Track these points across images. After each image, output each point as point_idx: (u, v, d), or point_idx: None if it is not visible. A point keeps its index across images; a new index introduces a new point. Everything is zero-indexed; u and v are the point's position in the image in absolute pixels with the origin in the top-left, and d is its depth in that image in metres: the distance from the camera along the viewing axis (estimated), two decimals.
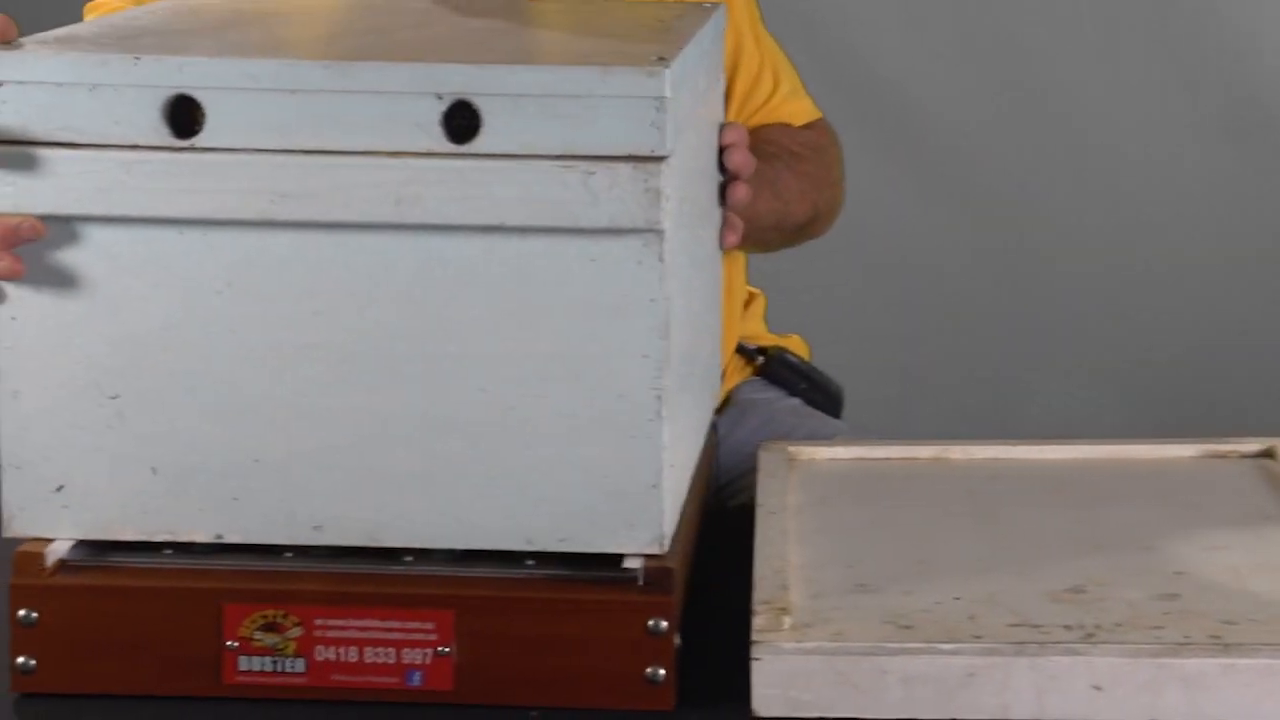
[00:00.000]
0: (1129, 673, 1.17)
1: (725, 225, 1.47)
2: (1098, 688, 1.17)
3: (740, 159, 1.44)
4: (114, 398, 1.22)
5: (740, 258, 1.79)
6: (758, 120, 1.76)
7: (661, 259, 1.19)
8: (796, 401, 1.82)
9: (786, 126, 1.77)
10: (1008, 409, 3.13)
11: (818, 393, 1.82)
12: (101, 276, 1.22)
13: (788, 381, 1.82)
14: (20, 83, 1.19)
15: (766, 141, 1.68)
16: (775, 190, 1.66)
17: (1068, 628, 1.20)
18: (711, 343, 1.49)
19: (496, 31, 1.38)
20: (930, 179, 3.14)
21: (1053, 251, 3.14)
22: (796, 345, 1.86)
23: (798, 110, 1.80)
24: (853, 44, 3.11)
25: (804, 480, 1.49)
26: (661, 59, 1.19)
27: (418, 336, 1.21)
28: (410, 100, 1.18)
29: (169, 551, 1.25)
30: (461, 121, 1.18)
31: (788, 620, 1.21)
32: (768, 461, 1.50)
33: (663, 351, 1.20)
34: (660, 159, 1.18)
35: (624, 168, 1.18)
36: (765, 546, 1.33)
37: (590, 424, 1.21)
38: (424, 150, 1.19)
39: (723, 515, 1.51)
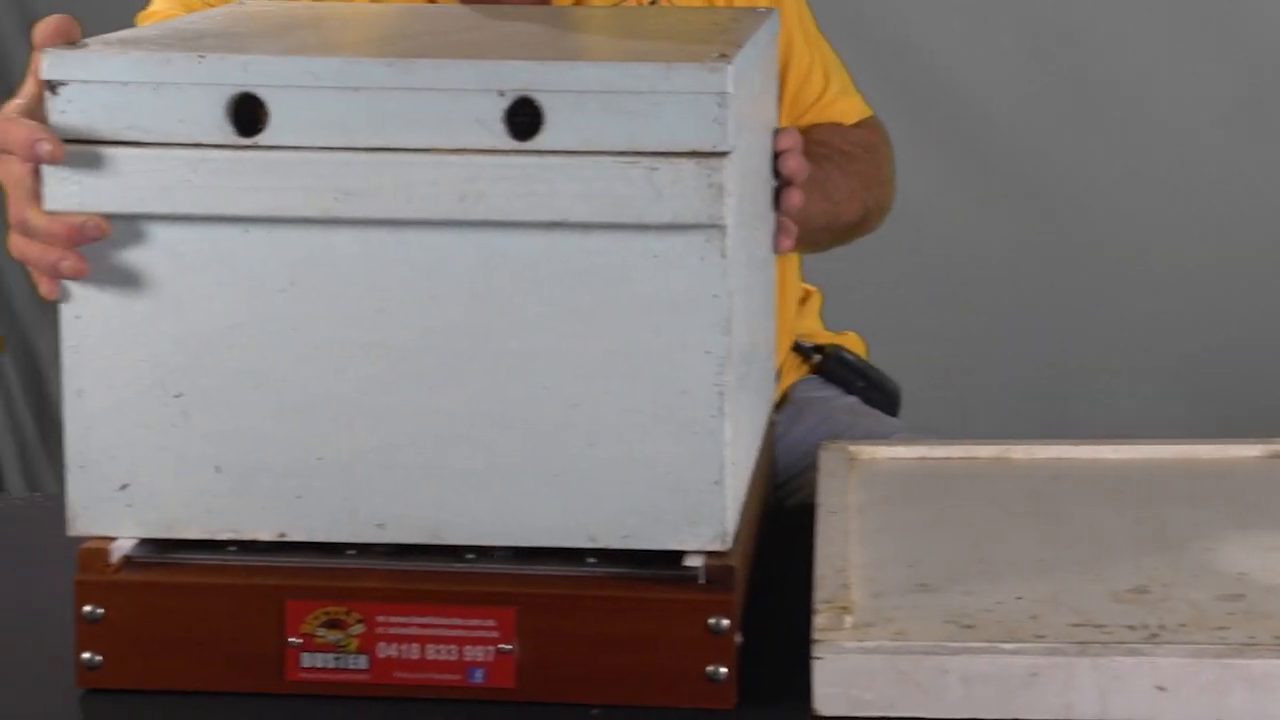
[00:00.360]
0: (1193, 673, 1.16)
1: (780, 230, 1.47)
2: (1161, 688, 1.16)
3: (795, 164, 1.45)
4: (178, 396, 1.23)
5: (795, 255, 1.79)
6: (809, 119, 1.77)
7: (724, 254, 1.19)
8: (853, 400, 1.81)
9: (837, 126, 1.77)
10: (1068, 407, 3.11)
11: (875, 391, 1.82)
12: (166, 275, 1.22)
13: (844, 379, 1.81)
14: (85, 82, 1.20)
15: (818, 143, 1.68)
16: (826, 192, 1.66)
17: (1131, 628, 1.19)
18: (767, 341, 1.49)
19: (552, 33, 1.38)
20: (986, 175, 3.12)
21: (1113, 247, 3.12)
22: (853, 343, 1.85)
23: (848, 108, 1.80)
24: (906, 40, 3.10)
25: (865, 479, 1.48)
26: (723, 56, 1.20)
27: (480, 333, 1.21)
28: (472, 97, 1.18)
29: (233, 548, 1.25)
30: (523, 118, 1.18)
31: (849, 619, 1.21)
32: (828, 461, 1.50)
33: (725, 347, 1.20)
34: (723, 154, 1.18)
35: (687, 163, 1.18)
36: (826, 546, 1.33)
37: (652, 420, 1.21)
38: (486, 147, 1.19)
39: (780, 514, 1.51)
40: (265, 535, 1.24)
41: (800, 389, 1.81)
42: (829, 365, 1.81)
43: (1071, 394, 3.13)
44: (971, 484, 1.47)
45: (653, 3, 1.71)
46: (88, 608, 1.23)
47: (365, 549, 1.24)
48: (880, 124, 1.84)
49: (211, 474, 1.23)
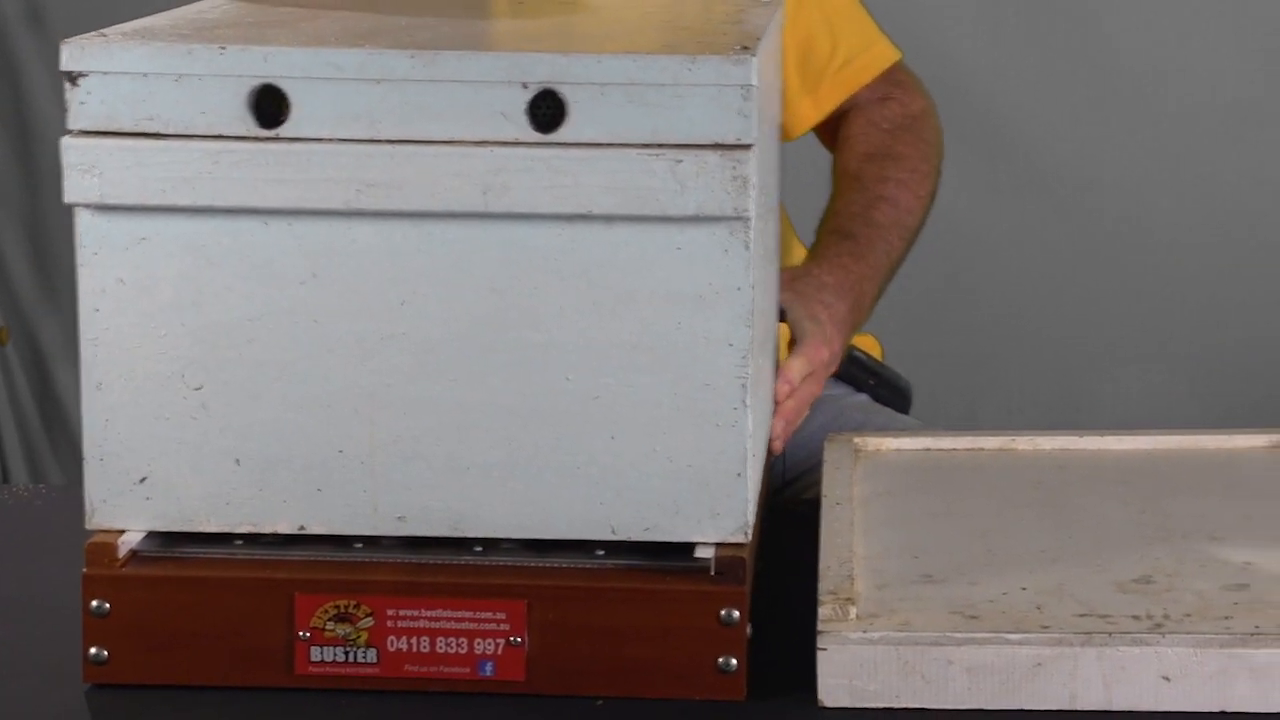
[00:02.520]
0: (1198, 663, 1.17)
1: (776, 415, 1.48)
2: (1166, 678, 1.18)
3: (779, 432, 1.47)
4: (197, 389, 1.22)
5: (805, 251, 1.78)
6: (826, 89, 1.76)
7: (747, 247, 1.20)
8: (864, 398, 1.81)
9: (872, 122, 1.76)
10: (1079, 401, 3.10)
11: (885, 389, 1.82)
12: (186, 267, 1.21)
13: (855, 379, 1.81)
14: (105, 73, 1.19)
15: (875, 179, 1.68)
16: (889, 262, 1.67)
17: (1136, 618, 1.20)
18: (774, 334, 1.50)
19: (575, 23, 1.38)
20: (994, 168, 3.10)
21: (1122, 240, 3.10)
22: (869, 345, 1.85)
23: (868, 63, 1.78)
24: (914, 30, 3.07)
25: (870, 471, 1.49)
26: (745, 48, 1.20)
27: (503, 325, 1.21)
28: (496, 89, 1.18)
29: (239, 542, 1.24)
30: (547, 110, 1.18)
31: (853, 610, 1.21)
32: (833, 453, 1.50)
33: (748, 340, 1.21)
34: (747, 147, 1.18)
35: (711, 155, 1.18)
36: (831, 537, 1.33)
37: (675, 413, 1.21)
38: (510, 139, 1.19)
39: (790, 509, 1.51)
40: (285, 528, 1.23)
41: None
42: (840, 364, 1.81)
43: (1081, 387, 3.12)
44: (976, 475, 1.48)
45: None
46: (95, 602, 1.22)
47: (373, 542, 1.24)
48: (907, 72, 1.81)
49: (231, 467, 1.23)
